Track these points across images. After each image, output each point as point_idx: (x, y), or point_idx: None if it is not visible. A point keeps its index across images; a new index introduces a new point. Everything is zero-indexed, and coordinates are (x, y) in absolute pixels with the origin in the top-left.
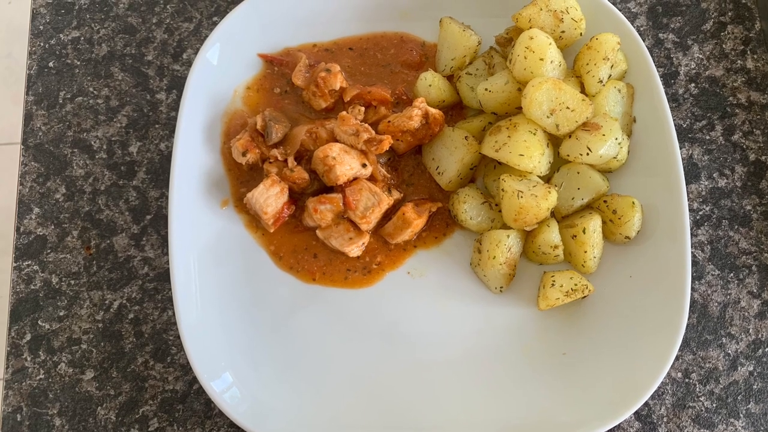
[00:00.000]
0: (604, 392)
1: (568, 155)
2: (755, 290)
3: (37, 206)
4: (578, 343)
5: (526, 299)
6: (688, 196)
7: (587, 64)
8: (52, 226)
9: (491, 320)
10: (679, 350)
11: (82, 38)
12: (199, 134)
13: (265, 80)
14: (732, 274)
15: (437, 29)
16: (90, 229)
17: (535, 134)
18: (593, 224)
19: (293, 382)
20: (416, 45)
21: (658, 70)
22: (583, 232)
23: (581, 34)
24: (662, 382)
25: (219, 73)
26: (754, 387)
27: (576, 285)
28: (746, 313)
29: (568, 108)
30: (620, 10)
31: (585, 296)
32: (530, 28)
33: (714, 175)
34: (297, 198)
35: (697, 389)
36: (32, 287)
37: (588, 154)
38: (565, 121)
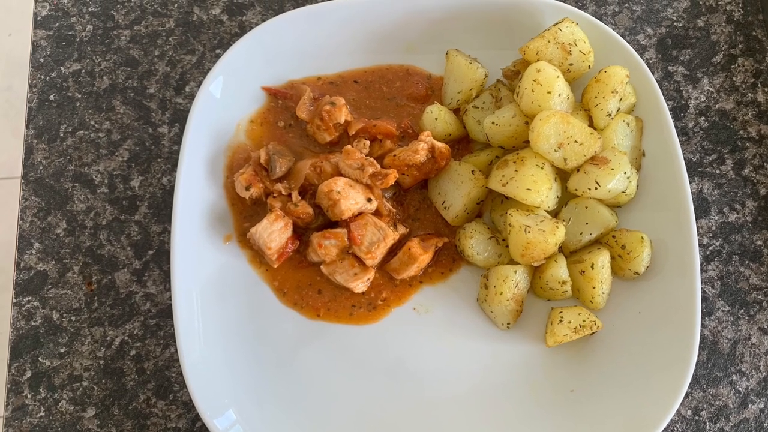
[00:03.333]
0: (612, 430)
1: (576, 189)
2: (766, 326)
3: (38, 241)
4: (586, 380)
5: (534, 335)
6: (697, 231)
7: (595, 97)
8: (53, 262)
9: (498, 357)
10: (689, 387)
11: (83, 71)
12: (201, 168)
13: (269, 113)
14: (742, 310)
15: (443, 62)
16: (91, 264)
17: (542, 168)
18: (602, 260)
19: (298, 419)
20: (422, 78)
21: (667, 103)
22: (592, 267)
23: (589, 66)
24: (672, 420)
25: (222, 107)
26: (765, 425)
27: (584, 321)
28: (757, 350)
29: (576, 142)
30: (629, 43)
31: (593, 333)
32: (538, 60)
33: (724, 209)
34: (301, 233)
35: (707, 427)
36: (33, 323)
37: (596, 188)
38: (573, 155)
